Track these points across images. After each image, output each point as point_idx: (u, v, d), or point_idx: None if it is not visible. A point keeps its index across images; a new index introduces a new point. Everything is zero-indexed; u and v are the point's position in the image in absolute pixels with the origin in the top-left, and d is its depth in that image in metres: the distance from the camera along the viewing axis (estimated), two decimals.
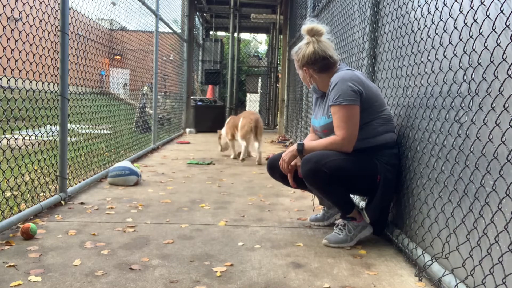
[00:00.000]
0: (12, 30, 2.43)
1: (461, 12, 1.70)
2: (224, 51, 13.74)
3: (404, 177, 2.28)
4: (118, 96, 5.67)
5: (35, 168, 3.07)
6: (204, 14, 12.65)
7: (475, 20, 1.58)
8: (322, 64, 2.33)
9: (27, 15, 2.58)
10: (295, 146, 2.30)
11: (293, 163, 2.33)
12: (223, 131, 5.70)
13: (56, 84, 2.93)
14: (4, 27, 2.40)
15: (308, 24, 2.34)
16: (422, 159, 2.05)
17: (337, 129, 2.19)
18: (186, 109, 9.65)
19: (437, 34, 1.92)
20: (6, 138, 2.38)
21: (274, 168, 2.52)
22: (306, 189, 2.53)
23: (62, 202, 2.91)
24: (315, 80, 2.39)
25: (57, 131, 2.94)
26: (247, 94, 14.09)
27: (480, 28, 1.54)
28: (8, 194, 2.85)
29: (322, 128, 2.36)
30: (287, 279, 1.83)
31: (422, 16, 2.09)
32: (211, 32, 13.58)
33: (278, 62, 12.10)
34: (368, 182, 2.24)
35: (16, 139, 2.47)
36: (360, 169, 2.21)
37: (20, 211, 2.46)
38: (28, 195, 2.74)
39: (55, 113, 2.97)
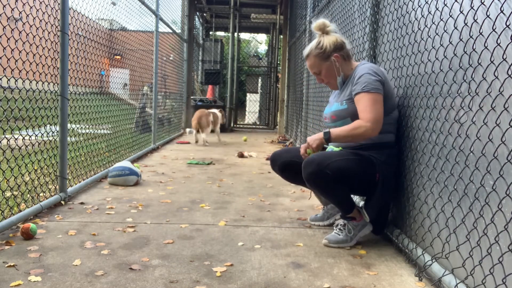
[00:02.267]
0: (12, 30, 2.43)
1: (461, 12, 1.70)
2: (224, 51, 13.74)
3: (404, 177, 2.28)
4: (118, 96, 5.67)
5: (35, 168, 3.07)
6: (204, 14, 12.65)
7: (475, 20, 1.58)
8: (346, 50, 2.35)
9: (27, 15, 2.58)
10: (321, 134, 2.25)
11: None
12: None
13: (56, 84, 2.93)
14: (4, 27, 2.40)
15: (317, 21, 2.36)
16: (422, 159, 2.05)
17: (362, 113, 2.16)
18: (186, 109, 9.64)
19: (437, 34, 1.92)
20: (6, 138, 2.38)
21: (274, 161, 2.60)
22: (306, 186, 2.54)
23: (62, 202, 2.91)
24: (342, 69, 2.35)
25: (57, 131, 2.94)
26: (247, 94, 14.10)
27: (480, 28, 1.54)
28: (8, 194, 2.85)
29: (332, 113, 2.35)
30: (287, 279, 1.83)
31: (422, 16, 2.09)
32: (211, 32, 13.58)
33: (278, 62, 12.10)
34: (368, 180, 2.24)
35: (16, 139, 2.47)
36: (361, 168, 2.21)
37: (20, 211, 2.45)
38: (28, 195, 2.74)
39: (55, 113, 2.97)
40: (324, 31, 2.35)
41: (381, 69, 2.29)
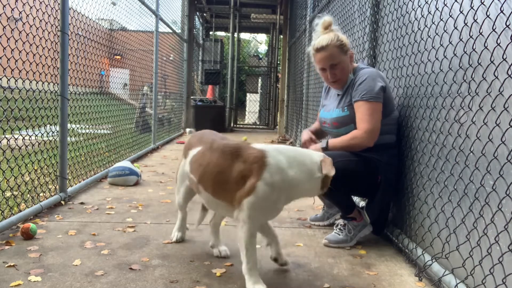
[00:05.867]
0: (12, 30, 2.43)
1: (461, 12, 1.70)
2: (224, 51, 13.74)
3: (404, 177, 2.28)
4: (118, 96, 5.67)
5: (35, 168, 3.06)
6: (204, 14, 12.65)
7: (475, 20, 1.58)
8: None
9: (27, 15, 2.58)
10: (319, 146, 2.27)
11: None
12: None
13: (56, 84, 2.93)
14: (4, 27, 2.40)
15: (325, 18, 2.29)
16: (422, 159, 2.05)
17: (360, 122, 2.17)
18: (186, 109, 9.64)
19: (437, 34, 1.92)
20: (6, 138, 2.38)
21: None
22: None
23: (62, 202, 2.91)
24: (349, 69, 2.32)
25: (57, 131, 2.94)
26: (247, 94, 14.09)
27: (480, 28, 1.54)
28: (8, 194, 2.85)
29: (333, 120, 2.34)
30: (287, 279, 1.83)
31: (422, 16, 2.09)
32: (211, 32, 13.58)
33: (278, 62, 12.10)
34: (369, 182, 2.24)
35: (16, 139, 2.47)
36: (362, 170, 2.21)
37: (20, 211, 2.45)
38: (28, 195, 2.74)
39: (55, 113, 2.97)
40: (329, 30, 2.29)
41: (380, 73, 2.28)
